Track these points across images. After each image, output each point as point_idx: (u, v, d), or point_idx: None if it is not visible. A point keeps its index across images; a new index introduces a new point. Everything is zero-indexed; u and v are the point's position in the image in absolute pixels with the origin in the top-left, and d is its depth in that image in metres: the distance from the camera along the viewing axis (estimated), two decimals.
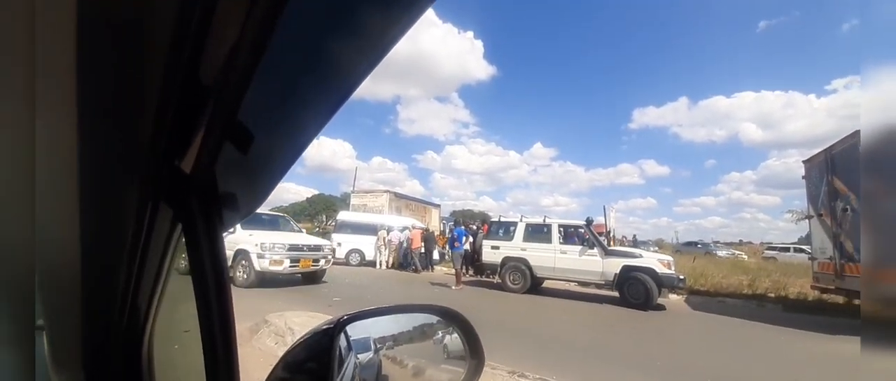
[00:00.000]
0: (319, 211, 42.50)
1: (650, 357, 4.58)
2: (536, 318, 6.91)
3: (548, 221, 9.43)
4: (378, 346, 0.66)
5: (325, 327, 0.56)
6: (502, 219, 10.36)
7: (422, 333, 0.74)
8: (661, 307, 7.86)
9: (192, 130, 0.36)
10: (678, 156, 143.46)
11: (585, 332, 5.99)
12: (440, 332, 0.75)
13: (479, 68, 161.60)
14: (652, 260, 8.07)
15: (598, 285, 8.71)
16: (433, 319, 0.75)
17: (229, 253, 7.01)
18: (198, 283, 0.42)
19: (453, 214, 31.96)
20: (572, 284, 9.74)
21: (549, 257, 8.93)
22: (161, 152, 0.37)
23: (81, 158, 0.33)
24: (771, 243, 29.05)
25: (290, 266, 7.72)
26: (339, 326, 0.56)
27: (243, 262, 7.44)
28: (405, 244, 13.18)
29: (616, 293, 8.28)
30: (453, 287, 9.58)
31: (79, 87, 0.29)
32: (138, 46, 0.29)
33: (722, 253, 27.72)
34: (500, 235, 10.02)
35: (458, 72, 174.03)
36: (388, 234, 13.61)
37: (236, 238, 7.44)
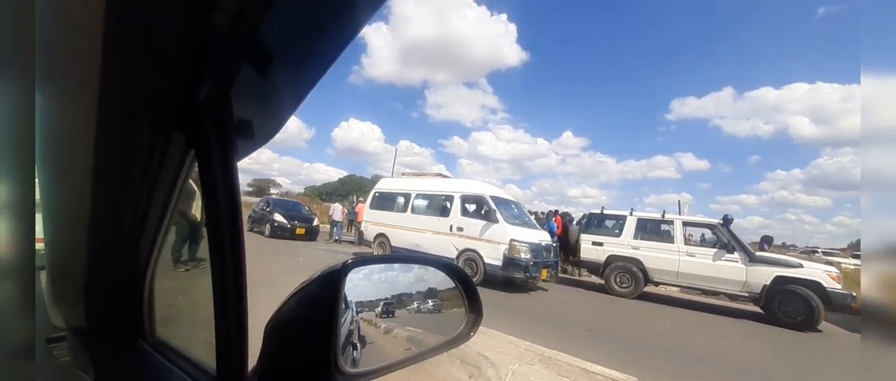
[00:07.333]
0: (351, 191, 44.51)
1: None
2: (681, 335, 5.60)
3: (668, 216, 8.02)
4: (358, 309, 0.66)
5: (331, 269, 0.56)
6: (605, 211, 9.01)
7: (411, 295, 0.76)
8: (816, 329, 6.43)
9: (210, 51, 0.35)
10: (719, 150, 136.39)
11: (777, 361, 4.67)
12: (439, 287, 0.80)
13: (512, 53, 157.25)
14: (817, 272, 6.59)
15: (731, 297, 7.33)
16: (432, 271, 0.81)
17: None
18: (210, 211, 0.40)
19: None
20: (676, 290, 8.35)
21: (672, 260, 7.52)
22: (177, 76, 0.36)
23: (84, 85, 0.32)
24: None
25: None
26: (345, 268, 0.58)
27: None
28: None
29: (757, 308, 6.90)
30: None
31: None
32: None
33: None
34: (599, 229, 8.75)
35: (488, 57, 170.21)
36: None
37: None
